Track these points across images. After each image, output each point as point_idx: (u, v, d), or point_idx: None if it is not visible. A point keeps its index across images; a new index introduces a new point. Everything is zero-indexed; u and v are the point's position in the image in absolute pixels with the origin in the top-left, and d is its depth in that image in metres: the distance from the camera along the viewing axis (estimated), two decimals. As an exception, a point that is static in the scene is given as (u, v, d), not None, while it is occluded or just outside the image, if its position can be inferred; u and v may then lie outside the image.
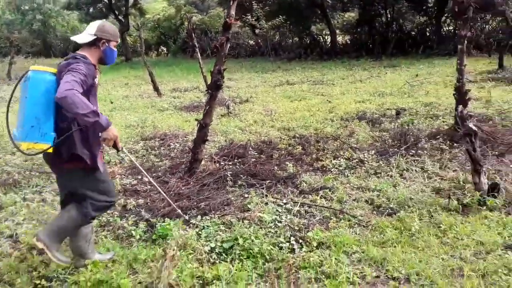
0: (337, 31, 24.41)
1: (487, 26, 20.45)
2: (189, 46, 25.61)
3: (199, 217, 3.81)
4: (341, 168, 5.09)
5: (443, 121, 6.84)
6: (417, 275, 2.84)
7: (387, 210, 3.90)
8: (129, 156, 3.87)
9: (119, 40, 3.05)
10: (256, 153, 5.77)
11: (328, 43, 23.74)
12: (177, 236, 3.36)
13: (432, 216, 3.68)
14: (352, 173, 4.91)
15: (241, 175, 4.91)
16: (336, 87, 11.67)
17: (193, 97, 11.39)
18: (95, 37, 2.88)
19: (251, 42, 26.73)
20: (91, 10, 28.71)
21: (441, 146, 5.56)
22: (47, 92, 2.67)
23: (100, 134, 2.77)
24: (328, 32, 23.92)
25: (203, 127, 5.05)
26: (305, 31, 24.64)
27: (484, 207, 3.73)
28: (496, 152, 5.23)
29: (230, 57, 23.75)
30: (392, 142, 5.95)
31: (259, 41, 25.21)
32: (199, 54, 10.77)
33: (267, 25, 20.37)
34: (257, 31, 21.55)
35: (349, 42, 24.16)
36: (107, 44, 2.94)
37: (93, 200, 2.88)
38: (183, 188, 4.61)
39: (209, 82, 5.20)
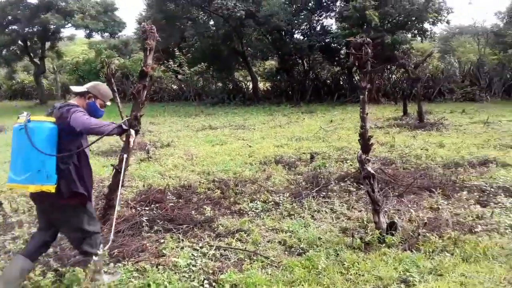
0: (259, 78, 25.48)
1: (393, 76, 22.57)
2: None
3: (111, 264, 3.74)
4: (257, 210, 5.29)
5: (351, 165, 7.38)
6: (321, 311, 3.03)
7: (298, 250, 4.12)
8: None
9: (107, 102, 3.59)
10: (174, 198, 5.80)
11: (250, 89, 24.61)
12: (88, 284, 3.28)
13: (338, 254, 3.95)
14: (268, 216, 5.12)
15: (158, 220, 4.90)
16: (257, 131, 12.12)
17: (112, 141, 11.16)
18: (86, 90, 3.49)
19: (174, 86, 26.95)
20: (4, 52, 27.34)
21: (349, 188, 6.00)
22: (50, 138, 3.13)
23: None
24: (250, 79, 24.87)
25: (118, 172, 5.01)
26: (228, 77, 25.43)
27: (383, 244, 4.08)
28: (397, 193, 5.74)
29: (153, 101, 23.73)
30: (305, 184, 6.29)
31: (183, 86, 25.51)
32: (118, 99, 10.80)
33: (190, 71, 20.79)
34: (180, 76, 21.87)
35: (270, 88, 25.24)
36: (93, 99, 3.50)
37: (90, 233, 3.37)
38: (96, 235, 4.49)
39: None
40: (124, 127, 3.50)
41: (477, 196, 5.46)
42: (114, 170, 5.00)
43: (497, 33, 21.68)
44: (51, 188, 3.10)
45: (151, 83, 5.11)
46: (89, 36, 28.09)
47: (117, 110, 9.69)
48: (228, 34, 22.56)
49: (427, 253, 3.88)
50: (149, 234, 4.53)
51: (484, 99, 19.34)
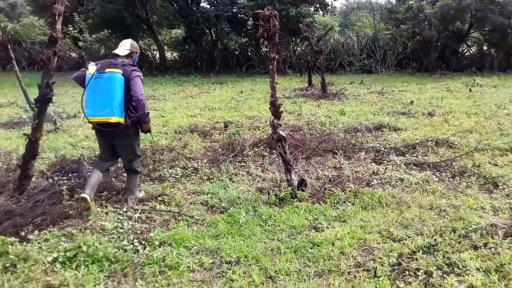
0: (165, 47, 24.92)
1: (298, 49, 23.52)
2: (0, 57, 23.01)
3: (36, 232, 3.74)
4: (177, 176, 5.48)
5: (263, 132, 7.82)
6: (245, 257, 3.40)
7: (220, 209, 4.44)
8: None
9: (139, 51, 4.82)
10: (90, 167, 5.74)
11: (157, 58, 24.03)
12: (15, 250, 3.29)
13: (256, 210, 4.34)
14: (188, 180, 5.35)
15: (78, 189, 4.89)
16: (168, 102, 12.09)
17: (11, 113, 10.44)
18: (130, 51, 4.64)
19: (74, 54, 25.33)
20: None
21: (262, 153, 6.42)
22: (121, 85, 4.29)
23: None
24: (156, 48, 24.24)
25: (32, 141, 4.86)
26: (133, 45, 24.50)
27: (295, 199, 4.55)
28: (305, 156, 6.29)
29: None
30: (222, 151, 6.59)
31: (83, 54, 24.09)
32: (16, 67, 10.05)
33: (91, 38, 19.69)
34: (80, 43, 20.60)
35: (178, 58, 24.85)
36: (135, 54, 4.75)
37: (138, 155, 4.72)
38: (13, 206, 4.39)
39: (31, 97, 5.04)
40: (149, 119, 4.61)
41: (373, 156, 6.19)
42: (28, 139, 4.84)
43: (390, 9, 23.47)
44: (122, 120, 4.31)
45: (56, 49, 4.94)
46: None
47: (12, 79, 9.08)
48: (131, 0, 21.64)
49: (333, 204, 4.43)
50: (70, 202, 4.52)
51: (380, 71, 21.09)
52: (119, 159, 4.92)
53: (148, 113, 4.51)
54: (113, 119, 4.22)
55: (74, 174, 5.48)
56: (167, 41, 26.21)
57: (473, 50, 23.72)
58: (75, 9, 22.76)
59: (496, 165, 5.62)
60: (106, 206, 4.43)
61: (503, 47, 21.05)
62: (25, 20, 25.23)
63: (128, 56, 4.63)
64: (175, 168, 5.78)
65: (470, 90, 13.28)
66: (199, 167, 5.78)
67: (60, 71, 22.70)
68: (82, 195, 4.23)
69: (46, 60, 4.87)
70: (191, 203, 4.62)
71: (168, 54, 25.05)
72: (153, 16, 24.01)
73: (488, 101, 11.12)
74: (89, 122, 4.43)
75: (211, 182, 5.26)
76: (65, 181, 5.16)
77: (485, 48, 23.07)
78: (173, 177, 5.46)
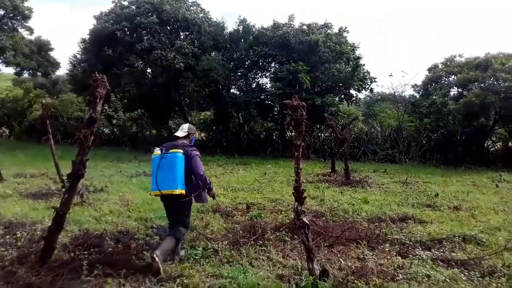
0: (194, 128, 25.80)
1: (322, 135, 24.00)
2: (36, 130, 24.21)
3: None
4: (197, 257, 5.43)
5: (285, 216, 7.78)
6: None
7: (238, 296, 4.33)
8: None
9: (196, 132, 5.73)
10: (113, 243, 5.78)
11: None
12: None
13: (276, 299, 4.21)
14: (207, 262, 5.29)
15: (98, 265, 4.88)
16: (192, 180, 12.25)
17: (41, 183, 10.78)
18: (187, 133, 5.62)
19: (106, 130, 26.46)
20: None
21: (284, 238, 6.35)
22: (182, 163, 5.16)
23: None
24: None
25: (60, 215, 4.98)
26: (163, 124, 25.51)
27: (317, 290, 4.41)
28: (327, 244, 6.17)
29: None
30: (243, 233, 6.54)
31: (115, 130, 25.14)
32: (52, 141, 10.54)
33: (124, 117, 20.68)
34: (114, 121, 21.63)
35: (205, 138, 25.59)
36: (192, 135, 5.72)
37: (187, 220, 5.44)
38: (33, 278, 4.40)
39: (62, 169, 5.25)
40: (213, 193, 5.68)
41: (398, 248, 6.03)
42: (55, 212, 4.97)
43: (414, 103, 24.06)
44: (183, 192, 5.12)
45: (93, 129, 5.25)
46: (19, 74, 27.07)
47: (45, 152, 9.48)
48: (166, 83, 22.95)
49: (356, 298, 4.27)
50: (89, 278, 4.51)
51: (403, 161, 21.10)
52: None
53: (210, 182, 5.47)
54: (177, 191, 5.04)
55: (96, 249, 5.50)
56: (196, 122, 27.22)
57: (498, 145, 23.67)
58: (112, 90, 24.27)
59: (528, 267, 5.37)
60: (123, 285, 4.39)
61: (530, 144, 20.98)
62: (64, 96, 26.77)
63: (186, 137, 5.58)
64: (195, 248, 5.75)
65: (497, 186, 13.06)
66: (219, 249, 5.73)
67: (91, 145, 23.68)
68: (153, 255, 4.76)
69: (83, 138, 5.16)
70: (208, 287, 4.52)
71: (196, 135, 25.92)
72: (185, 99, 25.24)
73: (517, 197, 10.86)
74: (155, 195, 5.29)
75: (231, 266, 5.17)
76: (86, 256, 5.19)
77: (510, 144, 23.00)
78: (193, 257, 5.41)
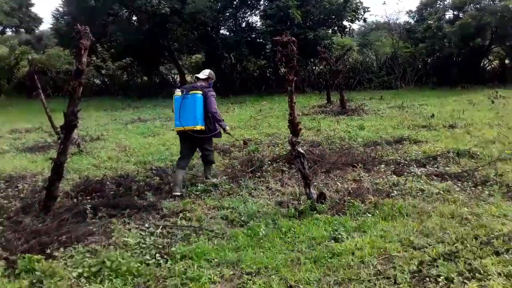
0: (186, 71, 25.44)
1: (316, 68, 23.69)
2: (25, 86, 23.84)
3: (61, 249, 3.84)
4: (198, 192, 5.56)
5: (282, 148, 7.86)
6: (265, 268, 3.41)
7: (240, 223, 4.48)
8: (230, 135, 6.62)
9: (215, 78, 6.31)
10: (114, 187, 5.89)
11: (178, 82, 24.51)
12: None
13: (275, 223, 4.36)
14: (208, 196, 5.42)
15: (101, 208, 5.00)
16: (188, 123, 12.27)
17: (36, 137, 10.81)
18: (207, 76, 6.10)
19: (97, 81, 26.08)
20: None
21: (281, 168, 6.46)
22: (201, 103, 5.71)
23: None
24: (177, 72, 24.75)
25: (57, 165, 5.02)
26: (154, 71, 25.10)
27: (315, 212, 4.55)
28: (324, 170, 6.29)
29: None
30: (241, 167, 6.65)
31: (106, 80, 24.80)
32: (42, 95, 10.43)
33: (113, 66, 20.30)
34: (103, 71, 21.24)
35: (197, 81, 25.26)
36: (211, 80, 6.16)
37: (211, 150, 6.15)
38: (39, 225, 4.52)
39: (55, 122, 5.23)
40: (224, 128, 6.12)
41: (393, 168, 6.15)
42: (53, 163, 5.01)
43: (409, 29, 23.52)
44: (203, 127, 5.69)
45: (84, 78, 5.19)
46: (2, 32, 26.23)
47: (41, 105, 9.44)
48: (153, 30, 22.25)
49: (352, 216, 4.42)
50: (94, 220, 4.63)
51: (399, 87, 20.99)
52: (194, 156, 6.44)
53: (223, 119, 6.06)
54: (198, 127, 5.61)
55: (98, 193, 5.62)
56: (188, 65, 26.76)
57: (495, 64, 23.42)
58: (98, 40, 23.59)
59: (520, 174, 5.51)
60: (128, 223, 4.53)
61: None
62: (51, 50, 26.04)
63: (206, 80, 6.05)
64: (196, 184, 5.87)
65: (493, 102, 13.08)
66: (219, 183, 5.85)
67: (83, 96, 23.43)
68: (175, 193, 5.50)
69: (72, 90, 5.10)
70: (211, 218, 4.67)
71: (188, 78, 25.53)
72: (174, 44, 24.61)
73: (511, 112, 10.92)
74: (177, 131, 5.86)
75: (231, 198, 5.30)
76: (89, 201, 5.30)
77: (507, 62, 22.78)
78: (194, 193, 5.54)
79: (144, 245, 3.92)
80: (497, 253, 3.38)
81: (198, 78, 6.09)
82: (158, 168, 6.97)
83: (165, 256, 3.69)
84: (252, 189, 5.57)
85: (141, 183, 6.11)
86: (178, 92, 5.81)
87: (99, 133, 10.79)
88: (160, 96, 21.64)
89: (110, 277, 3.35)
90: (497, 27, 19.40)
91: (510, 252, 3.35)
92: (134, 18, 24.49)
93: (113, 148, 8.80)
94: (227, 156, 7.60)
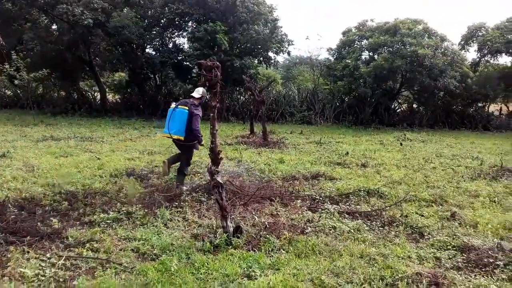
0: (107, 90, 24.55)
1: (241, 97, 24.06)
2: None
3: None
4: (109, 221, 5.27)
5: (201, 178, 7.79)
6: (175, 307, 3.28)
7: (151, 256, 4.30)
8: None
9: (207, 96, 6.66)
10: (16, 210, 5.40)
11: (98, 100, 23.53)
12: None
13: (189, 257, 4.24)
14: (120, 226, 5.16)
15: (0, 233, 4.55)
16: (106, 144, 11.77)
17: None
18: (201, 96, 6.99)
19: (9, 92, 24.25)
20: None
21: (200, 198, 6.36)
22: (186, 117, 6.67)
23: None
24: (98, 89, 23.81)
25: None
26: (73, 86, 23.92)
27: (230, 246, 4.51)
28: (243, 202, 6.30)
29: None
30: (158, 196, 6.45)
31: (19, 92, 23.13)
32: None
33: (28, 77, 19.02)
34: (16, 82, 19.79)
35: (119, 101, 24.46)
36: (203, 98, 6.99)
37: (188, 160, 7.17)
38: None
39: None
40: (201, 140, 7.16)
41: (309, 204, 6.34)
42: None
43: (329, 66, 24.82)
44: (182, 138, 6.71)
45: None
46: None
47: None
48: (74, 41, 21.31)
49: (267, 252, 4.44)
50: (-13, 247, 4.19)
51: (318, 123, 21.95)
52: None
53: (201, 136, 7.00)
54: (175, 136, 6.71)
55: (-4, 217, 5.11)
56: (110, 83, 25.86)
57: (404, 107, 25.42)
58: (13, 47, 22.04)
59: (422, 216, 5.93)
60: (28, 252, 4.15)
61: (431, 105, 22.86)
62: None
63: (199, 98, 6.98)
64: (107, 212, 5.57)
65: (401, 144, 14.11)
66: (133, 211, 5.61)
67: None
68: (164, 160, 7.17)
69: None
70: (121, 250, 4.43)
71: (109, 97, 24.64)
72: (96, 59, 23.72)
73: (417, 155, 11.84)
74: (164, 136, 7.14)
75: (145, 228, 5.09)
76: (-16, 225, 4.80)
77: (414, 106, 24.84)
78: (105, 222, 5.25)
79: (43, 278, 3.62)
80: (400, 294, 3.56)
81: (192, 96, 7.01)
82: (67, 192, 6.53)
83: (65, 292, 3.42)
84: (168, 220, 5.41)
85: (47, 207, 5.68)
86: (173, 105, 6.90)
87: (5, 150, 9.91)
88: (77, 113, 20.57)
89: (0, 315, 3.02)
90: (407, 71, 21.12)
91: (411, 293, 3.54)
92: (54, 26, 23.30)
93: (19, 167, 8.13)
94: (144, 183, 7.34)
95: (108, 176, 7.72)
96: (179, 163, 7.26)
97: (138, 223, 5.25)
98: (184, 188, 6.78)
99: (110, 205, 5.89)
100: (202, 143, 7.17)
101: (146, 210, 5.70)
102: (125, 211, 5.60)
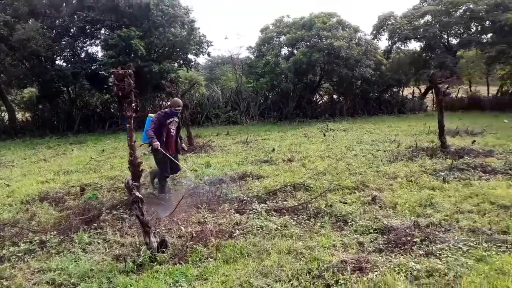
0: (16, 108, 22.80)
1: (163, 103, 23.41)
2: None
3: None
4: (20, 254, 4.80)
5: (123, 193, 7.38)
6: None
7: (69, 286, 3.96)
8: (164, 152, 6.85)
9: (178, 108, 7.24)
10: None
11: (6, 121, 21.75)
12: None
13: (111, 281, 3.96)
14: (33, 257, 4.72)
15: None
16: (16, 168, 10.88)
17: None
18: (170, 104, 7.32)
19: None
20: None
21: (122, 216, 6.02)
22: (148, 123, 7.04)
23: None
24: (5, 109, 22.05)
25: None
26: (-24, 107, 21.93)
27: (155, 263, 4.29)
28: (167, 214, 6.04)
29: None
30: (75, 219, 6.00)
31: None
32: None
33: None
34: None
35: (30, 119, 22.68)
36: (173, 108, 7.16)
37: (159, 164, 7.18)
38: None
39: None
40: (154, 143, 6.71)
41: (237, 206, 6.23)
42: None
43: (250, 64, 24.97)
44: (145, 143, 7.15)
45: None
46: None
47: None
48: (-28, 58, 19.55)
49: (194, 263, 4.27)
50: None
51: (244, 122, 22.00)
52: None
53: (152, 137, 6.71)
54: (142, 142, 7.19)
55: None
56: (18, 101, 24.04)
57: (325, 99, 26.28)
58: None
59: (346, 203, 6.08)
60: None
61: (349, 95, 23.86)
62: None
63: (170, 106, 7.24)
64: (18, 244, 5.08)
65: (324, 135, 14.52)
66: (47, 240, 5.16)
67: None
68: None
69: None
70: (34, 284, 4.04)
71: (19, 115, 22.85)
72: (1, 76, 21.93)
73: (339, 144, 12.23)
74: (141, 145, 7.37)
75: (60, 256, 4.70)
76: None
77: (335, 96, 25.79)
78: (15, 255, 4.77)
79: None
80: (328, 286, 3.57)
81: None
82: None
83: None
84: (87, 244, 5.04)
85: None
86: (150, 114, 7.41)
87: None
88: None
89: None
90: (325, 64, 21.85)
91: (339, 283, 3.56)
92: None
93: None
94: (59, 206, 6.81)
95: (19, 204, 7.09)
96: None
97: (53, 252, 4.84)
98: (155, 192, 7.26)
99: (21, 236, 5.38)
100: (155, 146, 6.66)
101: (61, 237, 5.28)
102: (37, 241, 5.14)
